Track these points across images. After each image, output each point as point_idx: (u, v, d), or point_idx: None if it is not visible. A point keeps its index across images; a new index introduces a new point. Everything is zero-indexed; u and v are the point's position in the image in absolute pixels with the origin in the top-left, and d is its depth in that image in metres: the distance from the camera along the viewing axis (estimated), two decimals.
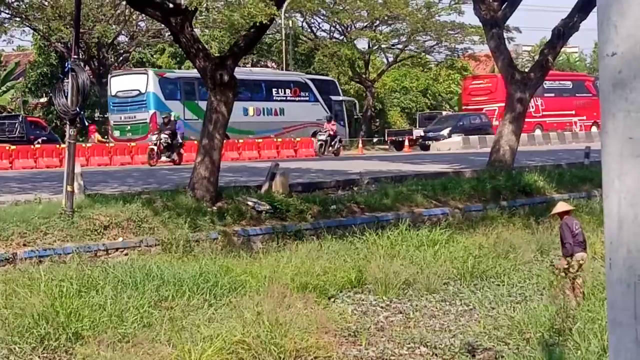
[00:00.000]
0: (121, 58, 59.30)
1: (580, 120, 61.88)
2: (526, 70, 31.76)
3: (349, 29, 69.62)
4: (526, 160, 32.02)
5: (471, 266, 16.32)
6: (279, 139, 48.29)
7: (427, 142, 55.87)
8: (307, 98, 52.54)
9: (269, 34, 61.28)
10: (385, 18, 66.12)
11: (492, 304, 14.16)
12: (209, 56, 21.08)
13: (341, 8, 65.46)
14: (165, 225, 17.64)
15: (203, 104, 46.39)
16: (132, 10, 48.08)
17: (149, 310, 12.23)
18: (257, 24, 20.10)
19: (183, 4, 20.63)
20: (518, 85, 27.93)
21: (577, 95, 61.91)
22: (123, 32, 57.18)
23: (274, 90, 51.14)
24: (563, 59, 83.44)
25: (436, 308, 14.18)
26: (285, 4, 49.47)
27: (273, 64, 69.80)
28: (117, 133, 46.18)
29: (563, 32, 28.22)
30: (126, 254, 16.68)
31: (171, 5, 20.55)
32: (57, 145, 41.29)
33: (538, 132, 59.05)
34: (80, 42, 21.48)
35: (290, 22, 64.97)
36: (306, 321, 11.87)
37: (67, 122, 18.21)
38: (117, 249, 16.80)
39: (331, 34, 71.48)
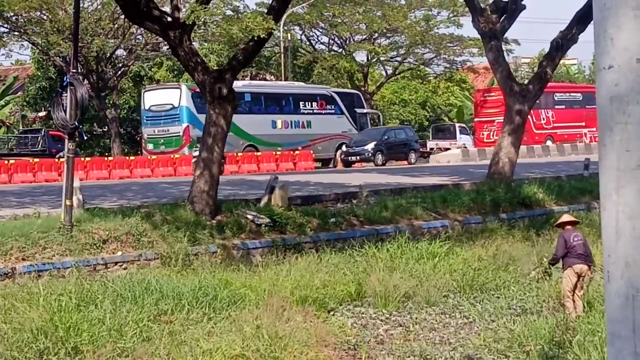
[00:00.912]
0: (120, 72, 59.31)
1: (590, 132, 62.31)
2: (525, 82, 31.75)
3: (347, 41, 69.79)
4: (525, 173, 32.00)
5: (471, 279, 16.32)
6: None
7: (350, 157, 51.87)
8: (333, 111, 53.92)
9: (268, 47, 61.41)
10: (384, 31, 66.32)
11: (492, 316, 14.15)
12: (208, 69, 21.08)
13: (340, 21, 65.60)
14: (165, 239, 17.62)
15: (235, 118, 48.27)
16: (130, 24, 48.14)
17: (148, 324, 12.20)
18: (256, 37, 20.12)
19: (181, 17, 20.65)
20: (517, 98, 27.92)
21: (587, 107, 62.28)
22: (121, 45, 57.19)
23: (301, 103, 52.42)
24: (562, 71, 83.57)
25: (436, 321, 14.16)
26: (284, 17, 49.59)
27: (272, 76, 69.88)
28: (150, 146, 47.33)
29: (562, 44, 28.24)
30: (125, 268, 16.66)
31: (170, 19, 20.57)
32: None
33: (549, 143, 60.01)
34: (78, 56, 21.50)
35: (289, 35, 65.10)
36: (306, 334, 11.86)
37: (66, 136, 18.21)
38: (116, 263, 16.78)
39: (330, 46, 71.64)
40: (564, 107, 61.92)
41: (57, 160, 40.61)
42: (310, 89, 56.28)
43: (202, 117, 45.34)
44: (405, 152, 53.50)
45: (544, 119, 61.07)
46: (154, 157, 44.57)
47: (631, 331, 2.73)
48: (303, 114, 52.21)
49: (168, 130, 46.66)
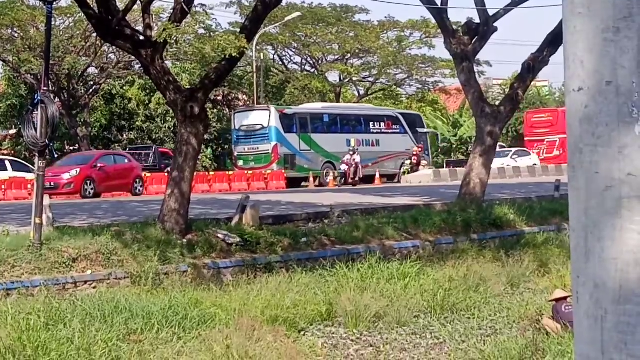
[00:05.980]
0: (91, 90, 59.11)
1: None
2: (497, 103, 31.90)
3: (320, 61, 69.93)
4: (496, 193, 32.11)
5: (441, 299, 16.31)
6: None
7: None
8: (398, 130, 57.98)
9: (240, 67, 61.43)
10: (357, 51, 66.58)
11: (463, 337, 14.15)
12: (180, 88, 21.02)
13: (312, 41, 65.80)
14: (135, 258, 17.52)
15: (315, 137, 52.76)
16: (102, 42, 48.09)
17: (118, 344, 12.12)
18: (228, 56, 20.11)
19: (154, 36, 20.61)
20: (488, 119, 28.01)
21: None
22: (93, 64, 57.04)
23: (370, 123, 56.77)
24: (533, 93, 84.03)
25: (407, 341, 14.14)
26: (257, 37, 49.85)
27: (244, 96, 69.84)
28: (240, 162, 51.77)
29: (533, 66, 28.38)
30: (95, 287, 16.54)
31: (142, 38, 20.53)
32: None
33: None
34: (50, 73, 21.41)
35: (262, 54, 65.15)
36: (276, 355, 11.82)
37: (36, 154, 18.11)
38: (85, 282, 16.66)
39: (302, 66, 71.79)
40: None
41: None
42: (379, 111, 61.09)
43: (289, 136, 51.23)
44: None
45: None
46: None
47: (600, 353, 2.73)
48: (373, 133, 56.47)
49: (258, 148, 51.24)
